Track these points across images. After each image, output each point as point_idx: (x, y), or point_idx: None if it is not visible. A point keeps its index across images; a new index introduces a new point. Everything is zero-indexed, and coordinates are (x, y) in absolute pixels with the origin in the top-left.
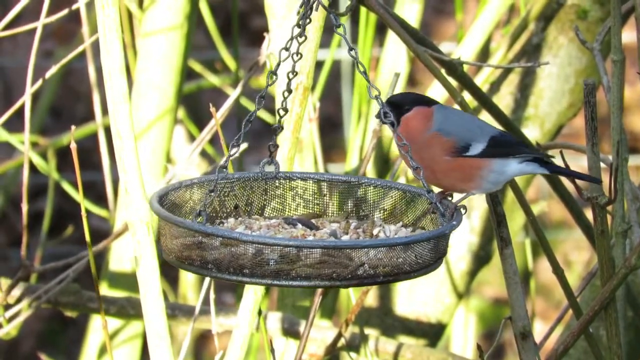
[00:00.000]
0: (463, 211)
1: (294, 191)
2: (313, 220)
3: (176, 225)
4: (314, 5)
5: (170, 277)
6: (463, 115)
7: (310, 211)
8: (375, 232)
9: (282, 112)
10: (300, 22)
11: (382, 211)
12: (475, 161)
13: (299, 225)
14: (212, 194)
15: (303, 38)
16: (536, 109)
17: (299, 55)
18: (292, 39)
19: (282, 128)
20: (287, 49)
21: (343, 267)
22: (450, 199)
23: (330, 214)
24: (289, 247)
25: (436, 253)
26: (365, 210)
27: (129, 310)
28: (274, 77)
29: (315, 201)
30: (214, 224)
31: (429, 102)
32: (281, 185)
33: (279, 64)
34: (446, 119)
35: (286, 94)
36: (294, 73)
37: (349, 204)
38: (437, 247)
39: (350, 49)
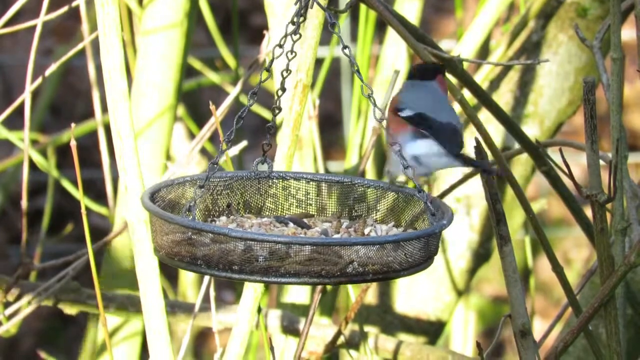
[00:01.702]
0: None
1: (287, 191)
2: (305, 220)
3: (166, 221)
4: (309, 3)
5: (170, 274)
6: (431, 94)
7: (303, 211)
8: (366, 231)
9: (276, 111)
10: (294, 20)
11: (375, 212)
12: (398, 121)
13: (291, 224)
14: (202, 189)
15: (298, 36)
16: (536, 107)
17: (293, 54)
18: (285, 36)
19: (276, 127)
20: (281, 46)
21: (332, 265)
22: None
23: (322, 214)
24: (278, 244)
25: (426, 252)
26: (358, 210)
27: (129, 307)
28: (268, 73)
29: (308, 201)
30: (206, 222)
31: (415, 75)
32: (274, 185)
33: (272, 61)
34: (416, 90)
35: (280, 92)
36: (288, 71)
37: (342, 205)
38: (427, 246)
39: (345, 47)
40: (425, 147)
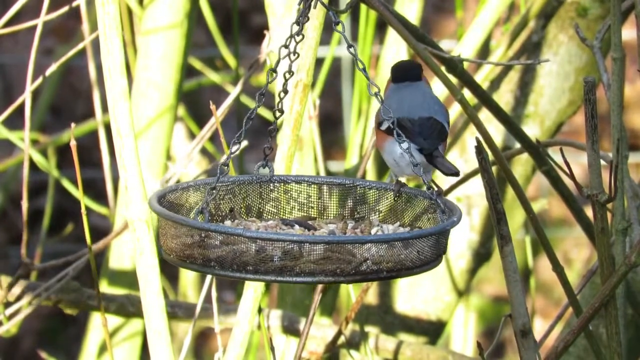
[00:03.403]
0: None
1: (289, 194)
2: (309, 222)
3: (179, 224)
4: (313, 3)
5: (170, 274)
6: (411, 93)
7: (305, 214)
8: (373, 231)
9: (278, 114)
10: (299, 20)
11: (377, 213)
12: (379, 134)
13: (297, 227)
14: (214, 191)
15: (300, 37)
16: (536, 107)
17: (296, 55)
18: (291, 36)
19: (277, 130)
20: (286, 47)
21: (346, 263)
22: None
23: (325, 217)
24: (292, 244)
25: (437, 249)
26: (360, 212)
27: (129, 308)
28: (274, 74)
29: (310, 204)
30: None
31: (394, 78)
32: (276, 189)
33: (278, 61)
34: (397, 94)
35: (282, 94)
36: (290, 73)
37: (344, 206)
38: (438, 243)
39: (350, 45)
40: (399, 149)
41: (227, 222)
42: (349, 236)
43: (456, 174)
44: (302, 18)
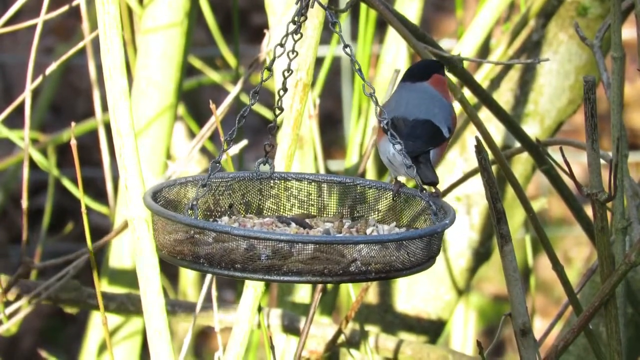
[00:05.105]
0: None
1: (289, 191)
2: (307, 220)
3: (169, 219)
4: (310, 2)
5: (171, 273)
6: (409, 95)
7: (305, 212)
8: (368, 231)
9: (277, 111)
10: (295, 19)
11: (376, 212)
12: (379, 131)
13: (293, 224)
14: (204, 188)
15: (299, 35)
16: (536, 106)
17: (295, 53)
18: (287, 35)
19: (278, 127)
20: (282, 45)
21: (335, 264)
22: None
23: (324, 215)
24: (281, 243)
25: (429, 252)
26: (360, 211)
27: (129, 306)
28: (269, 72)
29: (310, 202)
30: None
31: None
32: (276, 186)
33: (273, 60)
34: (401, 92)
35: (281, 92)
36: (289, 71)
37: (344, 205)
38: (429, 245)
39: (346, 46)
40: (392, 149)
41: (225, 218)
42: (337, 237)
43: (432, 183)
44: (299, 17)
